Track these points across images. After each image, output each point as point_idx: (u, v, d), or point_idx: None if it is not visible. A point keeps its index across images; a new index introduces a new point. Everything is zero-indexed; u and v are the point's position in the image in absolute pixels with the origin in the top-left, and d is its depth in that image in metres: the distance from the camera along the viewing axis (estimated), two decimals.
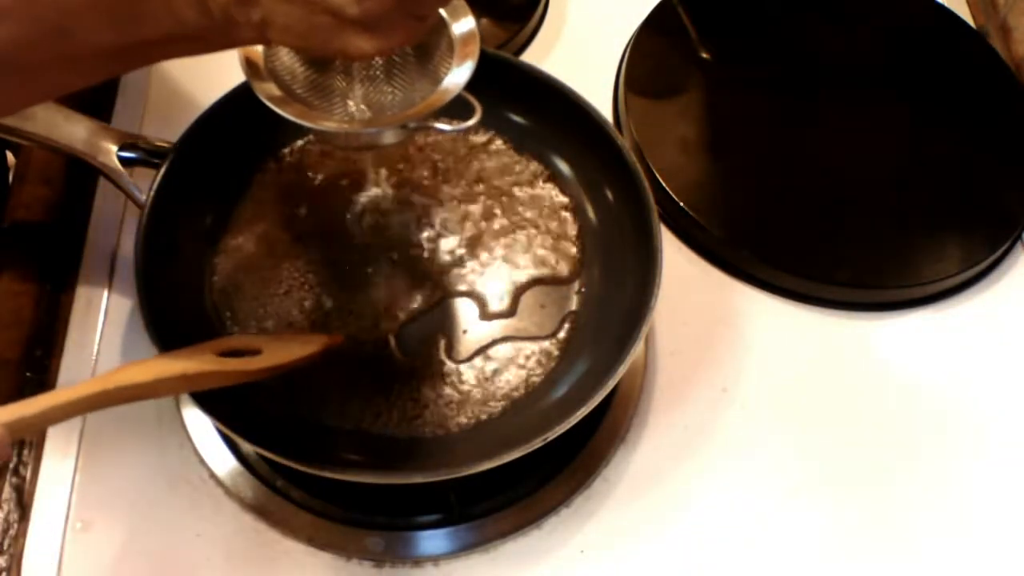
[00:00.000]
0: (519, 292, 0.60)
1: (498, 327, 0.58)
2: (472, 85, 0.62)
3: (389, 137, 0.49)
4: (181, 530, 0.55)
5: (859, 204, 0.68)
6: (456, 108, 0.49)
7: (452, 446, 0.54)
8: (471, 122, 0.50)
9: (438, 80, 0.49)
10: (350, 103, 0.51)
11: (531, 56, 0.75)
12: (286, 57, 0.49)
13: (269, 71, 0.48)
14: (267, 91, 0.47)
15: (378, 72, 0.51)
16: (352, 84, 0.51)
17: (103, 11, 0.39)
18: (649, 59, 0.73)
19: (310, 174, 0.62)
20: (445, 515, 0.56)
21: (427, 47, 0.50)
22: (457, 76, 0.48)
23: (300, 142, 0.63)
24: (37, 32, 0.39)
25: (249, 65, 0.47)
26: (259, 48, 0.47)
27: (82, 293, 0.62)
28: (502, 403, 0.56)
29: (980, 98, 0.74)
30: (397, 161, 0.63)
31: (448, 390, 0.56)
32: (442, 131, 0.49)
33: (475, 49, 0.48)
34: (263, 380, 0.50)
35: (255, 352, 0.51)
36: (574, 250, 0.61)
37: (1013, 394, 0.62)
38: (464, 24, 0.49)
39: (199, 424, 0.57)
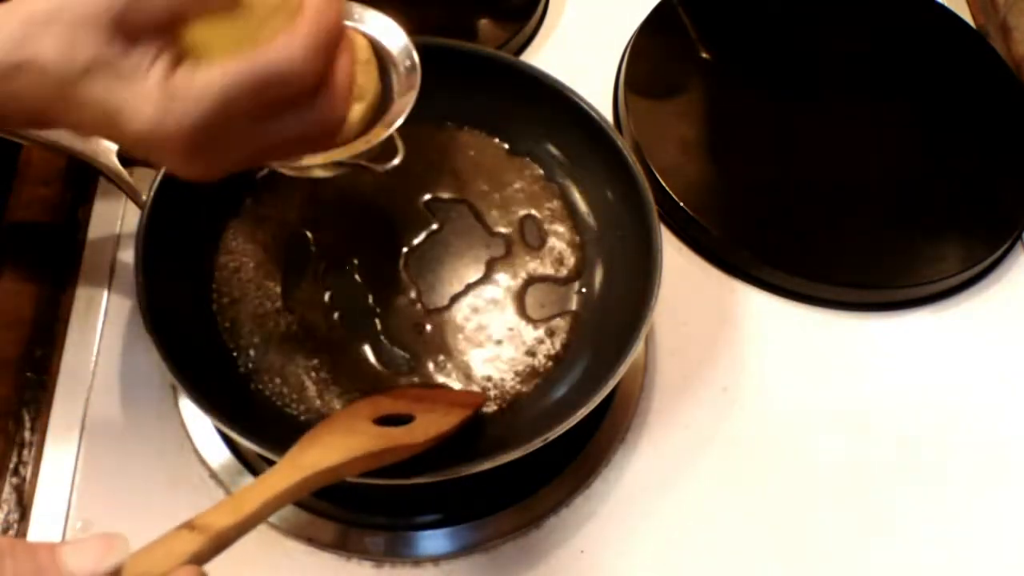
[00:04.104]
0: (519, 292, 0.60)
1: (499, 328, 0.58)
2: (472, 85, 0.62)
3: (318, 172, 0.49)
4: None
5: (859, 204, 0.68)
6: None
7: (452, 446, 0.54)
8: (394, 163, 0.50)
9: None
10: None
11: (531, 56, 0.75)
12: None
13: None
14: None
15: None
16: None
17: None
18: (649, 59, 0.73)
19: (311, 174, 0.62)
20: (445, 515, 0.56)
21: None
22: (389, 119, 0.48)
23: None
24: None
25: None
26: None
27: (82, 293, 0.62)
28: (502, 403, 0.56)
29: (980, 98, 0.74)
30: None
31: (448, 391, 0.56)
32: (367, 168, 0.49)
33: (411, 99, 0.48)
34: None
35: (408, 416, 0.49)
36: (574, 250, 0.61)
37: (1013, 394, 0.62)
38: (407, 67, 0.48)
39: (199, 424, 0.57)
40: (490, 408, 0.56)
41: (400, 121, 0.48)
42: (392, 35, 0.49)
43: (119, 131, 0.38)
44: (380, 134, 0.47)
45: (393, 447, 0.47)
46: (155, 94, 0.37)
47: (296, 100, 0.39)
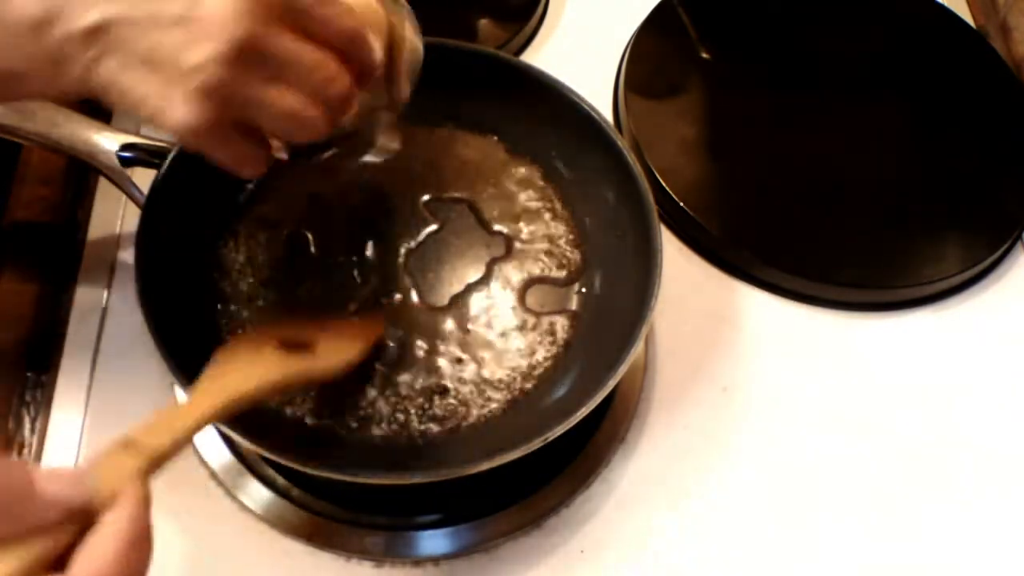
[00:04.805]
0: (519, 293, 0.60)
1: (498, 329, 0.58)
2: (472, 85, 0.62)
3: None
4: (181, 530, 0.55)
5: (859, 204, 0.68)
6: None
7: (452, 446, 0.54)
8: (388, 155, 0.50)
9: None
10: None
11: (531, 56, 0.75)
12: None
13: None
14: None
15: None
16: None
17: None
18: (649, 59, 0.73)
19: (311, 174, 0.62)
20: (445, 515, 0.56)
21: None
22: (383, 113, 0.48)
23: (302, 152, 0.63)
24: None
25: None
26: None
27: (82, 293, 0.62)
28: (502, 403, 0.56)
29: (980, 98, 0.74)
30: (395, 160, 0.62)
31: (448, 391, 0.56)
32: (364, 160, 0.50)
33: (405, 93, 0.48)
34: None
35: (306, 345, 0.50)
36: (574, 251, 0.61)
37: (1014, 394, 0.62)
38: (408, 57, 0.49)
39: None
40: (490, 408, 0.56)
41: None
42: None
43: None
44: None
45: (303, 372, 0.49)
46: None
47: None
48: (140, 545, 0.33)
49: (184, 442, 0.40)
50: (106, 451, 0.36)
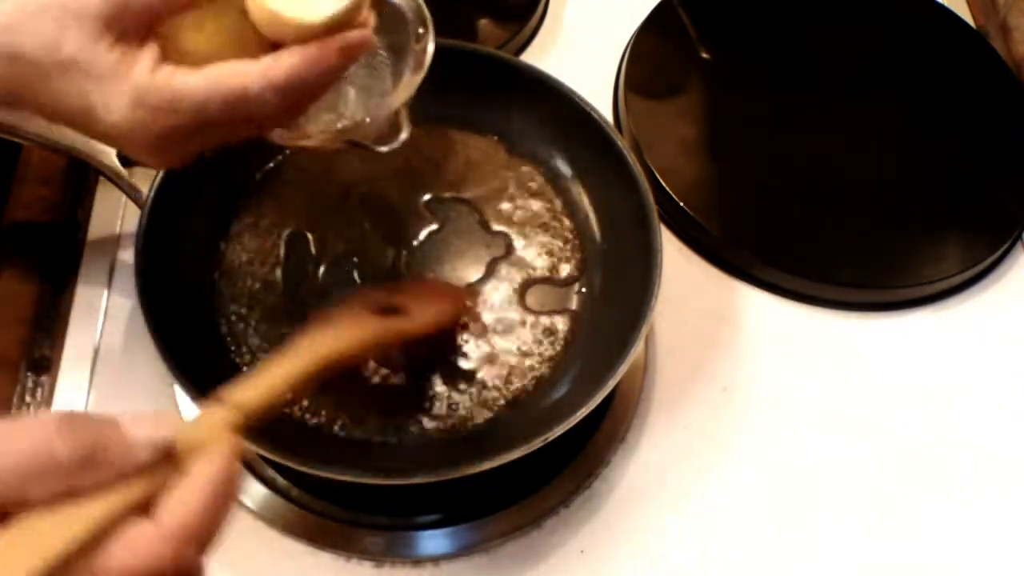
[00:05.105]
0: (519, 293, 0.60)
1: (499, 329, 0.58)
2: (472, 85, 0.62)
3: (324, 143, 0.49)
4: None
5: (859, 204, 0.68)
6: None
7: (452, 447, 0.54)
8: (401, 138, 0.50)
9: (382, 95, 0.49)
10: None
11: (531, 56, 0.75)
12: None
13: None
14: None
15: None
16: None
17: None
18: (649, 59, 0.73)
19: (311, 173, 0.62)
20: (445, 515, 0.56)
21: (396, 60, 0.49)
22: (392, 100, 0.48)
23: (302, 152, 0.63)
24: None
25: None
26: None
27: (82, 293, 0.61)
28: (502, 403, 0.56)
29: (980, 98, 0.74)
30: (395, 160, 0.63)
31: (448, 391, 0.56)
32: (369, 148, 0.50)
33: (419, 78, 0.48)
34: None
35: (399, 308, 0.52)
36: (574, 251, 0.61)
37: (1014, 394, 0.62)
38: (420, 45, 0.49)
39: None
40: (490, 408, 0.56)
41: (413, 91, 0.48)
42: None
43: (90, 124, 0.39)
44: (401, 98, 0.48)
45: (394, 331, 0.50)
46: (133, 93, 0.38)
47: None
48: (227, 496, 0.32)
49: (276, 397, 0.40)
50: (204, 410, 0.37)
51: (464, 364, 0.57)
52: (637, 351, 0.53)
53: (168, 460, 0.32)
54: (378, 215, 0.62)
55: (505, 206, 0.62)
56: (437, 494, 0.56)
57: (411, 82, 0.48)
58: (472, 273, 0.60)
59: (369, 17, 0.42)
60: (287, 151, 0.63)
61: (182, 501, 0.31)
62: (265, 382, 0.40)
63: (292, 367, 0.42)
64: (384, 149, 0.50)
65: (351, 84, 0.50)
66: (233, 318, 0.58)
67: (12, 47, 0.37)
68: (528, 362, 0.57)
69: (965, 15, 0.79)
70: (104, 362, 0.59)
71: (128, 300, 0.61)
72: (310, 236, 0.61)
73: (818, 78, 0.74)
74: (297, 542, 0.55)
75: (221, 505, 0.32)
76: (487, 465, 0.49)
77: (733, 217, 0.67)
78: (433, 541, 0.55)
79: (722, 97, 0.73)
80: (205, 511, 0.31)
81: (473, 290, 0.59)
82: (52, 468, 0.29)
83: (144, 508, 0.31)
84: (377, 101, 0.49)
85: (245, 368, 0.56)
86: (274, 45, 0.40)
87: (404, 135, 0.50)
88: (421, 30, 0.48)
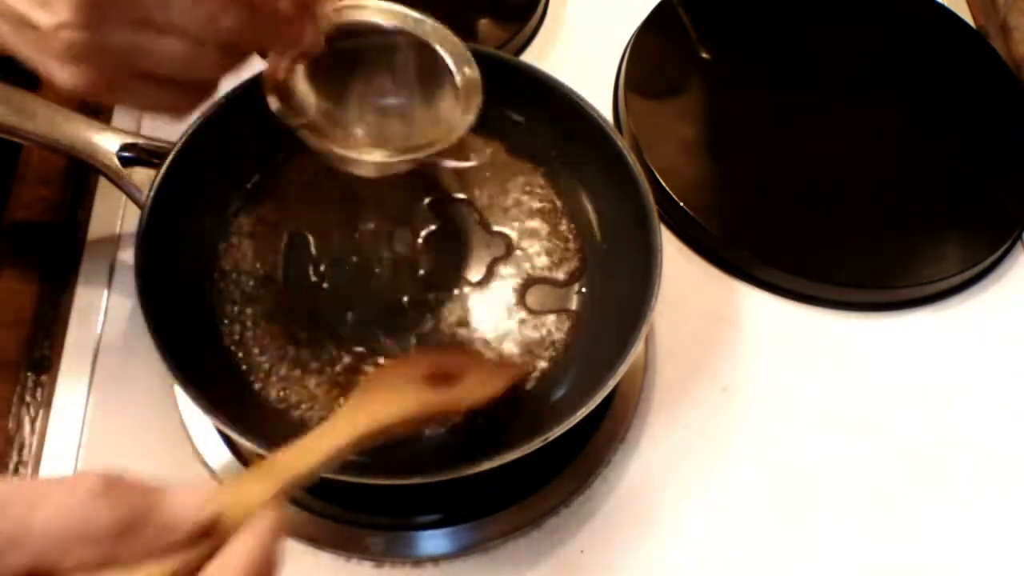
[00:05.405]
0: (519, 293, 0.60)
1: (498, 328, 0.58)
2: None
3: (396, 168, 0.51)
4: None
5: (859, 204, 0.68)
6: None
7: (452, 446, 0.54)
8: (474, 162, 0.53)
9: (441, 120, 0.52)
10: (358, 132, 0.52)
11: (531, 56, 0.75)
12: (301, 84, 0.50)
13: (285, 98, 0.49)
14: (299, 122, 0.48)
15: (388, 106, 0.53)
16: (363, 115, 0.52)
17: None
18: (649, 59, 0.73)
19: (311, 173, 0.62)
20: (445, 515, 0.56)
21: (431, 91, 0.53)
22: (464, 121, 0.51)
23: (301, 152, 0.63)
24: None
25: (278, 95, 0.48)
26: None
27: (82, 293, 0.62)
28: (502, 403, 0.56)
29: (980, 98, 0.74)
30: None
31: None
32: (447, 166, 0.52)
33: (478, 99, 0.51)
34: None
35: (451, 377, 0.50)
36: (574, 251, 0.61)
37: (1014, 394, 0.62)
38: (468, 72, 0.52)
39: (199, 424, 0.57)
40: (490, 408, 0.56)
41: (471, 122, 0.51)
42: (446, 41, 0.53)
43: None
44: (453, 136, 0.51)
45: (443, 406, 0.48)
46: None
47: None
48: (267, 570, 0.32)
49: (321, 468, 0.39)
50: (245, 474, 0.36)
51: None
52: (637, 351, 0.53)
53: (210, 533, 0.31)
54: (378, 215, 0.62)
55: (505, 206, 0.62)
56: (437, 494, 0.56)
57: (471, 112, 0.51)
58: (472, 273, 0.60)
59: None
60: (286, 151, 0.63)
61: (221, 570, 0.30)
62: (313, 449, 0.39)
63: (342, 436, 0.41)
64: (466, 164, 0.53)
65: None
66: (233, 318, 0.58)
67: None
68: (528, 362, 0.57)
69: (965, 15, 0.79)
70: (104, 362, 0.59)
71: (128, 300, 0.61)
72: (310, 236, 0.61)
73: (818, 78, 0.74)
74: (297, 542, 0.55)
75: (264, 573, 0.31)
76: (487, 465, 0.49)
77: (733, 217, 0.67)
78: (433, 541, 0.55)
79: (722, 97, 0.73)
80: None
81: (527, 366, 0.57)
82: (91, 535, 0.28)
83: None
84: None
85: (245, 368, 0.56)
86: None
87: (485, 155, 0.54)
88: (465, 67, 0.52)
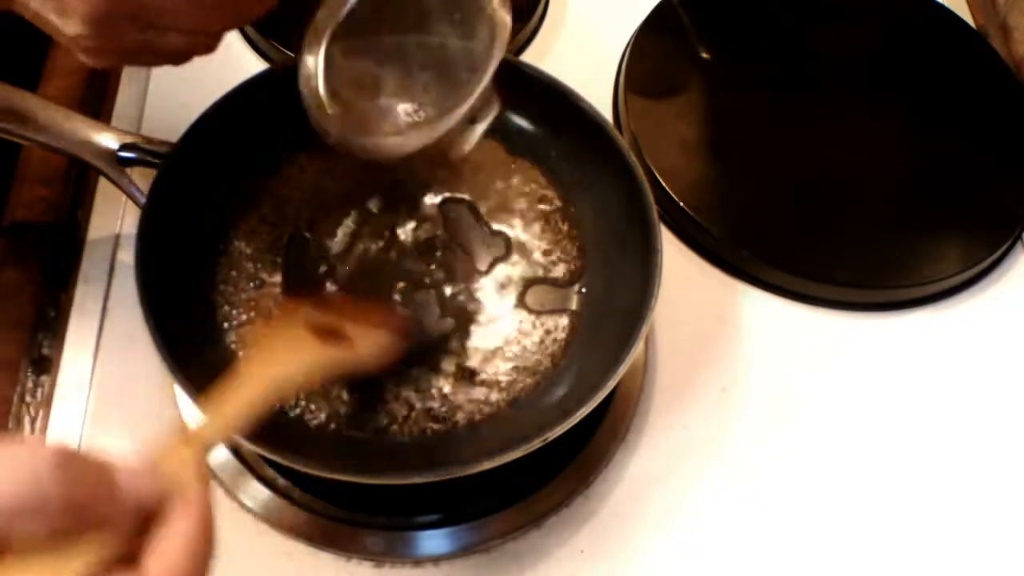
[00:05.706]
0: (519, 293, 0.60)
1: (498, 328, 0.58)
2: None
3: (417, 141, 0.51)
4: None
5: (859, 204, 0.68)
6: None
7: (452, 446, 0.54)
8: (492, 116, 0.52)
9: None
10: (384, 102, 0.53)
11: (531, 56, 0.75)
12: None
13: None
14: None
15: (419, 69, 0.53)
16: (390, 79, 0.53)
17: None
18: (649, 59, 0.73)
19: (311, 173, 0.62)
20: (445, 515, 0.56)
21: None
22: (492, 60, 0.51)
23: (301, 152, 0.63)
24: None
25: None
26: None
27: (82, 293, 0.62)
28: (502, 403, 0.56)
29: (980, 98, 0.74)
30: (395, 164, 0.63)
31: (448, 391, 0.56)
32: (475, 131, 0.52)
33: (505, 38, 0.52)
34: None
35: (339, 333, 0.51)
36: (574, 251, 0.61)
37: (1014, 394, 0.62)
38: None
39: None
40: (490, 408, 0.56)
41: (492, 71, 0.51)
42: None
43: None
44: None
45: (341, 362, 0.50)
46: None
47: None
48: (208, 536, 0.33)
49: (233, 427, 0.42)
50: (161, 442, 0.36)
51: (464, 364, 0.57)
52: (637, 351, 0.53)
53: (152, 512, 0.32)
54: (378, 215, 0.62)
55: (505, 206, 0.62)
56: (437, 494, 0.56)
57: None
58: (472, 273, 0.60)
59: None
60: (286, 151, 0.63)
61: (166, 550, 0.31)
62: (221, 411, 0.42)
63: (243, 398, 0.43)
64: (484, 127, 0.52)
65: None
66: (233, 318, 0.58)
67: None
68: (528, 362, 0.57)
69: (965, 15, 0.79)
70: (104, 362, 0.59)
71: (128, 300, 0.61)
72: (310, 237, 0.61)
73: (818, 78, 0.74)
74: (297, 542, 0.55)
75: (205, 547, 0.32)
76: (487, 465, 0.49)
77: (733, 217, 0.67)
78: (433, 541, 0.55)
79: (722, 97, 0.73)
80: (192, 556, 0.31)
81: (407, 316, 0.58)
82: (39, 509, 0.28)
83: (127, 556, 0.30)
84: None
85: None
86: None
87: (498, 107, 0.52)
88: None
